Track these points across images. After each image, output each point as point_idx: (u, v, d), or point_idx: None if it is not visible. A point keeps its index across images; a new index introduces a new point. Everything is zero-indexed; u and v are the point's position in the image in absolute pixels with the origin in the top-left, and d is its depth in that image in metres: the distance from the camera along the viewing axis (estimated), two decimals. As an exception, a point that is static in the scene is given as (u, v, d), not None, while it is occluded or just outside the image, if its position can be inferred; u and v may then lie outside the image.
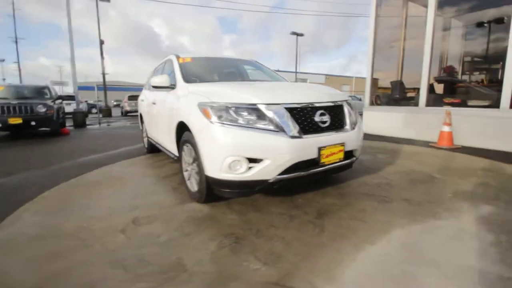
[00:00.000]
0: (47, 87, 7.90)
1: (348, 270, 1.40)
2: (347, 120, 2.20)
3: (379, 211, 2.09)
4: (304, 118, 1.93)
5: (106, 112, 16.45)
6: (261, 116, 1.84)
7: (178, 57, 3.09)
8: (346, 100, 2.30)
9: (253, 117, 1.84)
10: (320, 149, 1.92)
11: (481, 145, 4.12)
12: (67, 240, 1.79)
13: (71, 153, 4.83)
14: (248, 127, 1.82)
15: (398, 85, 5.75)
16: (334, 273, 1.38)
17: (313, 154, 1.90)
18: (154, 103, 3.36)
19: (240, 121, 1.84)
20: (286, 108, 1.88)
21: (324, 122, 2.01)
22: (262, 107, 1.85)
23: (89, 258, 1.58)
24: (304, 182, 2.36)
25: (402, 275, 1.35)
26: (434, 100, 5.05)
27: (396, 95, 5.67)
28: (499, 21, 5.42)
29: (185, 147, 2.38)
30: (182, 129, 2.42)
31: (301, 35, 24.29)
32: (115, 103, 29.43)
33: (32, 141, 6.24)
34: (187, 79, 2.69)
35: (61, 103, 8.07)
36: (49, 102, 6.84)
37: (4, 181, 3.16)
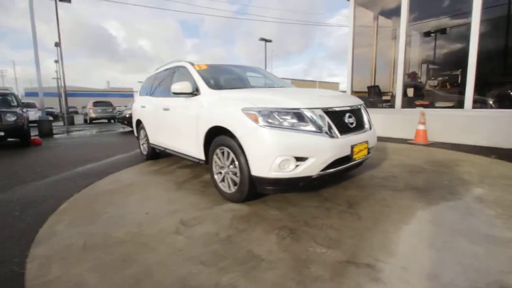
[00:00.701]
0: (12, 94, 7.18)
1: (399, 245, 1.68)
2: (366, 121, 2.53)
3: (397, 198, 2.43)
4: (338, 120, 2.20)
5: (68, 120, 15.18)
6: (303, 119, 2.06)
7: (193, 64, 3.17)
8: (362, 104, 2.63)
9: (296, 120, 2.05)
10: (352, 147, 2.20)
11: (451, 140, 4.82)
12: (127, 246, 1.81)
13: (60, 163, 4.52)
14: (294, 129, 2.02)
15: (375, 90, 6.41)
16: (390, 248, 1.65)
17: (347, 152, 2.17)
18: (166, 109, 3.38)
19: (286, 124, 2.04)
20: (324, 112, 2.13)
21: (351, 124, 2.30)
22: (305, 111, 2.07)
23: (163, 258, 1.64)
24: (335, 176, 2.62)
25: (442, 245, 1.66)
26: (407, 102, 5.74)
27: (373, 98, 6.31)
28: (454, 29, 6.36)
29: (218, 151, 2.49)
30: (213, 133, 2.54)
31: (269, 41, 25.07)
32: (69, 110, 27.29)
33: (5, 154, 5.64)
34: (211, 85, 2.80)
35: (26, 111, 7.40)
36: (19, 110, 6.26)
37: (8, 195, 2.92)
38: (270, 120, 2.03)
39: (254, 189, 2.24)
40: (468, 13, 4.92)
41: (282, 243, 1.77)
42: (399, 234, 1.81)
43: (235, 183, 2.38)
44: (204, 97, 2.71)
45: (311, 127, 2.04)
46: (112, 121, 16.78)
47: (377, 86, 6.35)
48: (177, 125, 3.17)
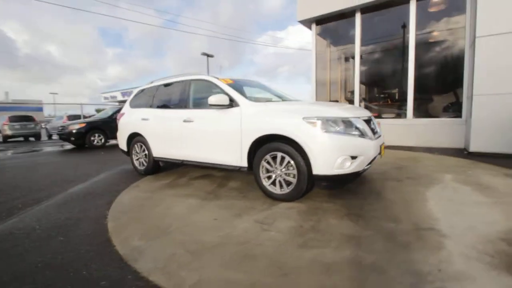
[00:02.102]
0: None
1: (435, 214, 2.30)
2: (377, 127, 3.21)
3: (404, 186, 3.15)
4: (368, 127, 2.79)
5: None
6: (352, 126, 2.56)
7: (218, 79, 3.36)
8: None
9: (347, 127, 2.53)
10: (380, 146, 2.81)
11: (399, 143, 6.12)
12: (231, 246, 1.92)
13: (35, 186, 3.84)
14: (348, 134, 2.51)
15: (334, 104, 7.57)
16: (432, 217, 2.24)
17: (378, 150, 2.76)
18: (188, 121, 3.41)
19: (340, 130, 2.50)
20: (363, 120, 2.69)
21: (373, 129, 2.93)
22: (352, 119, 2.58)
23: (277, 249, 1.84)
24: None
25: (459, 210, 2.37)
26: (362, 114, 6.99)
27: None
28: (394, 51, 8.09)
29: (268, 157, 2.75)
30: (260, 141, 2.80)
31: (211, 56, 25.50)
32: None
33: None
34: (248, 98, 3.06)
35: None
36: None
37: (18, 223, 2.48)
38: (329, 127, 2.46)
39: (311, 187, 2.60)
40: (398, 39, 6.48)
41: (358, 224, 2.18)
42: (428, 208, 2.46)
43: (288, 184, 2.69)
44: (245, 109, 2.95)
45: (358, 132, 2.56)
46: (32, 138, 14.07)
47: (337, 101, 7.50)
48: (207, 136, 3.25)
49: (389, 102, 7.06)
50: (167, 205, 2.85)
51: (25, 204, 3.03)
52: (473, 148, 4.66)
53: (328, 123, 2.48)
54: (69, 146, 9.62)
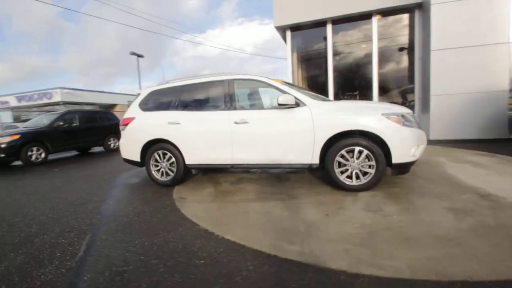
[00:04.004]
0: None
1: (477, 185, 2.99)
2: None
3: (425, 168, 3.86)
4: (413, 120, 3.34)
5: None
6: (411, 119, 3.04)
7: (270, 79, 3.36)
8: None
9: (410, 121, 3.00)
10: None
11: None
12: (383, 235, 2.07)
13: (40, 216, 2.91)
14: (414, 126, 2.96)
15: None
16: (477, 186, 2.93)
17: (426, 140, 3.36)
18: (242, 123, 3.27)
19: (409, 123, 2.94)
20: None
21: (412, 122, 3.52)
22: (412, 114, 3.06)
23: (420, 228, 2.11)
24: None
25: (482, 179, 3.13)
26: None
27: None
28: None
29: (343, 152, 2.96)
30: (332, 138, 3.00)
31: (141, 56, 23.22)
32: None
33: None
34: (314, 98, 3.20)
35: None
36: None
37: (105, 255, 1.93)
38: (404, 121, 2.87)
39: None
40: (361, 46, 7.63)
41: (443, 200, 2.65)
42: (464, 181, 3.16)
43: (364, 174, 2.97)
44: (314, 108, 3.07)
45: (417, 124, 3.07)
46: None
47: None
48: (270, 137, 3.20)
49: (352, 102, 8.23)
50: (257, 210, 2.71)
51: (68, 238, 2.31)
52: (432, 137, 6.00)
53: (402, 118, 2.89)
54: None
